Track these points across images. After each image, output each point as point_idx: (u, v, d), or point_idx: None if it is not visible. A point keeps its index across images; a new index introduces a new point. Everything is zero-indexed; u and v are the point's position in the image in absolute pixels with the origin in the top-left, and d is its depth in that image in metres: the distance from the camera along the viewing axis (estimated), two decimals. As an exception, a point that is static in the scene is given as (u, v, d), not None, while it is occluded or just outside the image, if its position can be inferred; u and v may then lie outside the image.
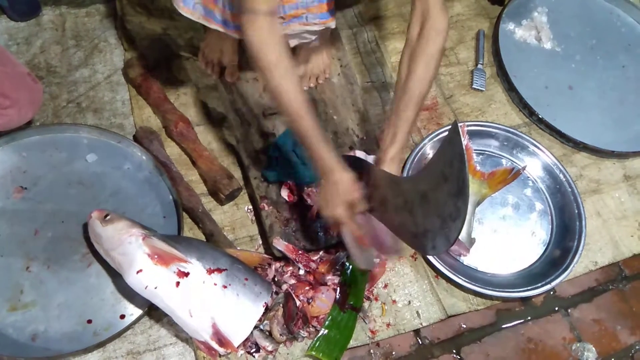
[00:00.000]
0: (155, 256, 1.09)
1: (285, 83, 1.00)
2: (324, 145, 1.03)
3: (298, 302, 1.21)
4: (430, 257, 1.31)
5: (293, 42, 1.24)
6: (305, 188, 1.31)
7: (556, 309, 1.37)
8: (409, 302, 1.30)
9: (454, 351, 1.28)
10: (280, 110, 1.07)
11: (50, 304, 1.17)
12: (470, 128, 1.48)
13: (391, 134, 1.10)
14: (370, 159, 1.32)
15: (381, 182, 1.06)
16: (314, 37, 1.26)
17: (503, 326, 1.32)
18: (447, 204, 0.87)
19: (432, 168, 0.93)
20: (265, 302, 1.17)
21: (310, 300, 1.22)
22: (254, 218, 1.35)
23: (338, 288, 1.25)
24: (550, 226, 1.44)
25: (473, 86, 1.63)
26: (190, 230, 1.31)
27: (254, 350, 1.19)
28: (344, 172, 1.04)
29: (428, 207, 0.93)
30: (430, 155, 1.43)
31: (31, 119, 1.29)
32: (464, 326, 1.31)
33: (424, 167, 0.94)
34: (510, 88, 1.62)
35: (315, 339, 1.21)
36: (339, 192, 1.04)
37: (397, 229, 1.05)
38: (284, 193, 1.32)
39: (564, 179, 1.46)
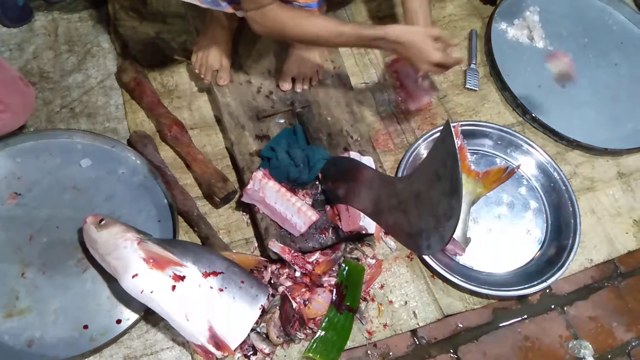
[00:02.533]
0: (151, 260, 1.09)
1: (313, 21, 1.15)
2: (375, 29, 1.16)
3: (294, 304, 1.21)
4: (426, 257, 1.31)
5: None
6: (300, 190, 1.31)
7: (552, 306, 1.37)
8: (406, 302, 1.30)
9: (451, 351, 1.28)
10: (324, 43, 1.24)
11: (46, 310, 1.17)
12: (464, 128, 1.48)
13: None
14: (364, 160, 1.33)
15: (375, 183, 1.06)
16: None
17: (500, 325, 1.33)
18: (441, 203, 0.88)
19: (425, 168, 0.93)
20: (262, 305, 1.17)
21: (307, 302, 1.22)
22: (249, 221, 1.35)
23: (334, 289, 1.25)
24: (545, 224, 1.44)
25: (466, 86, 1.64)
26: (186, 234, 1.31)
27: (251, 353, 1.19)
28: (408, 29, 1.18)
29: (422, 206, 0.93)
30: (425, 156, 1.43)
31: (24, 123, 1.29)
32: (461, 325, 1.31)
33: (417, 166, 0.95)
34: (503, 87, 1.63)
35: (312, 340, 1.20)
36: (420, 45, 1.17)
37: (392, 228, 1.05)
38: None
39: (558, 177, 1.47)
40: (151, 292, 1.08)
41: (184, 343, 1.19)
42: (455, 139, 0.82)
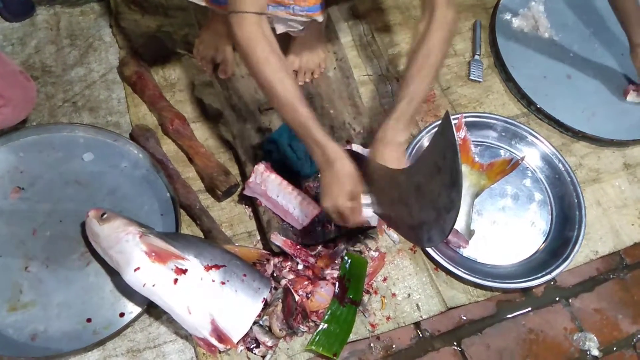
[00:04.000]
0: (153, 254, 1.09)
1: (277, 77, 1.00)
2: (322, 135, 1.03)
3: (297, 297, 1.21)
4: (430, 250, 1.31)
5: (280, 29, 1.24)
6: (302, 182, 1.31)
7: (557, 299, 1.36)
8: (409, 295, 1.30)
9: (455, 343, 1.28)
10: (275, 105, 1.07)
11: (49, 304, 1.17)
12: (468, 119, 1.47)
13: (394, 107, 1.10)
14: (366, 152, 1.32)
15: (377, 175, 1.05)
16: (301, 27, 1.25)
17: (504, 317, 1.32)
18: (441, 195, 0.87)
19: (425, 160, 0.92)
20: (264, 298, 1.17)
21: (310, 295, 1.22)
22: (251, 214, 1.35)
23: (337, 282, 1.24)
24: (550, 216, 1.43)
25: (470, 77, 1.62)
26: (188, 227, 1.31)
27: (253, 345, 1.19)
28: (346, 162, 1.03)
29: (423, 199, 0.93)
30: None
31: (26, 117, 1.29)
32: (464, 318, 1.31)
33: (418, 158, 0.94)
34: (508, 78, 1.61)
35: (315, 333, 1.20)
36: (340, 182, 1.03)
37: (393, 221, 1.05)
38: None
39: (563, 169, 1.45)
40: (153, 286, 1.08)
41: (186, 336, 1.19)
42: (454, 131, 0.81)
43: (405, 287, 1.31)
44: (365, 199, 1.08)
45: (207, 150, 1.37)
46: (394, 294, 1.29)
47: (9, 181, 1.28)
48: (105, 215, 1.15)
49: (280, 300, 1.21)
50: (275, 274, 1.25)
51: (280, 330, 1.19)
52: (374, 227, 1.28)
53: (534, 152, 1.49)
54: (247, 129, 1.39)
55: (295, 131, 1.06)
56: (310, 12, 1.19)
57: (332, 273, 1.26)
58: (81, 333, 1.15)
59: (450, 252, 1.35)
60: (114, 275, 1.18)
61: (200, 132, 1.42)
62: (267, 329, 1.20)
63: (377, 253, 1.32)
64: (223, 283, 1.13)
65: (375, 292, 1.29)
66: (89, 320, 1.17)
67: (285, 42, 1.47)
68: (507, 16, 1.74)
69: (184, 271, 1.11)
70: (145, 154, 1.34)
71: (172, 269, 1.10)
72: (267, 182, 1.24)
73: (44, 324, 1.15)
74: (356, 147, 1.32)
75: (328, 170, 1.04)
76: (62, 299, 1.18)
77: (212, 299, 1.12)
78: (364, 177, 1.08)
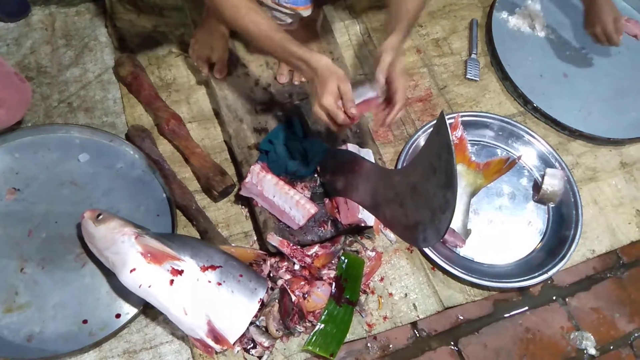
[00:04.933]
0: (148, 255, 1.09)
1: (248, 19, 1.07)
2: (303, 50, 1.06)
3: (294, 298, 1.20)
4: (426, 249, 1.31)
5: None
6: (298, 182, 1.30)
7: (554, 298, 1.36)
8: (406, 294, 1.30)
9: (452, 343, 1.28)
10: (255, 43, 1.11)
11: (45, 305, 1.17)
12: (464, 118, 1.47)
13: (390, 27, 1.11)
14: (363, 152, 1.32)
15: (372, 175, 1.05)
16: (289, 20, 1.25)
17: (500, 317, 1.32)
18: (437, 195, 0.87)
19: (421, 160, 0.92)
20: (261, 298, 1.17)
21: (306, 295, 1.22)
22: (248, 214, 1.35)
23: (334, 282, 1.24)
24: (547, 215, 1.43)
25: (467, 76, 1.62)
26: (185, 228, 1.31)
27: (250, 346, 1.19)
28: (329, 63, 1.05)
29: (418, 199, 0.93)
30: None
31: (21, 119, 1.29)
32: (461, 317, 1.31)
33: (413, 158, 0.94)
34: (504, 77, 1.61)
35: (312, 333, 1.20)
36: (325, 82, 1.04)
37: (389, 221, 1.05)
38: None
39: (560, 168, 1.45)
40: (149, 287, 1.08)
41: (183, 337, 1.19)
42: (449, 131, 0.81)
43: (402, 287, 1.30)
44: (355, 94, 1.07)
45: (203, 150, 1.37)
46: (390, 294, 1.29)
47: (4, 182, 1.27)
48: (101, 216, 1.14)
49: (276, 300, 1.20)
50: (271, 275, 1.25)
51: (276, 330, 1.18)
52: (371, 227, 1.28)
53: (530, 151, 1.49)
54: (243, 129, 1.38)
55: (279, 57, 1.11)
56: (296, 5, 1.19)
57: (329, 273, 1.26)
58: (77, 334, 1.15)
59: (447, 251, 1.35)
60: (110, 276, 1.18)
61: (196, 132, 1.42)
62: (263, 329, 1.20)
63: (374, 253, 1.32)
64: (219, 284, 1.13)
65: (372, 292, 1.29)
66: (85, 321, 1.17)
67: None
68: (504, 15, 1.74)
69: (180, 272, 1.10)
70: (141, 155, 1.33)
71: (168, 270, 1.09)
72: (263, 183, 1.23)
73: (40, 325, 1.15)
74: (352, 147, 1.32)
75: (315, 77, 1.06)
76: (58, 300, 1.18)
77: (209, 299, 1.11)
78: (360, 177, 1.08)
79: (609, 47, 1.61)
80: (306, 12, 1.22)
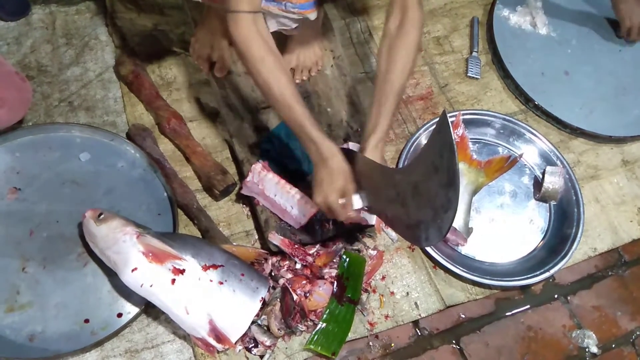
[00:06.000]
0: (150, 254, 1.09)
1: (273, 76, 1.02)
2: (318, 133, 1.05)
3: (295, 297, 1.20)
4: (428, 248, 1.30)
5: (272, 26, 1.23)
6: (300, 181, 1.30)
7: (556, 296, 1.36)
8: (407, 293, 1.30)
9: (454, 341, 1.28)
10: (272, 104, 1.08)
11: (47, 304, 1.17)
12: (466, 117, 1.47)
13: (372, 124, 1.11)
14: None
15: (374, 174, 1.05)
16: (293, 25, 1.25)
17: (502, 315, 1.32)
18: (439, 195, 0.87)
19: (423, 159, 0.92)
20: (262, 297, 1.17)
21: (308, 294, 1.22)
22: (249, 213, 1.35)
23: (335, 281, 1.24)
24: (548, 213, 1.43)
25: (468, 74, 1.62)
26: (186, 227, 1.31)
27: (252, 345, 1.18)
28: (340, 159, 1.06)
29: (420, 198, 0.92)
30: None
31: (21, 118, 1.28)
32: (463, 316, 1.30)
33: (415, 157, 0.94)
34: (505, 75, 1.61)
35: (314, 332, 1.20)
36: (332, 178, 1.05)
37: (391, 220, 1.04)
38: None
39: (562, 166, 1.45)
40: (151, 286, 1.08)
41: (185, 336, 1.19)
42: (452, 130, 0.80)
43: (403, 286, 1.30)
44: (357, 198, 1.09)
45: (204, 149, 1.37)
46: (392, 293, 1.29)
47: (6, 182, 1.27)
48: (102, 216, 1.14)
49: (278, 299, 1.20)
50: (273, 273, 1.25)
51: (278, 329, 1.18)
52: (372, 226, 1.28)
53: (532, 149, 1.49)
54: (244, 128, 1.38)
55: (292, 128, 1.07)
56: (303, 10, 1.18)
57: (331, 272, 1.26)
58: (79, 334, 1.15)
59: (449, 250, 1.35)
60: (112, 275, 1.18)
61: (197, 131, 1.42)
62: (265, 328, 1.20)
63: (376, 251, 1.32)
64: (221, 283, 1.13)
65: (374, 291, 1.29)
66: (86, 320, 1.17)
67: (282, 41, 1.46)
68: (505, 12, 1.73)
69: (182, 271, 1.10)
70: (142, 154, 1.33)
71: (169, 269, 1.09)
72: (264, 181, 1.23)
73: (42, 324, 1.15)
74: (353, 146, 1.31)
75: (322, 166, 1.06)
76: (60, 299, 1.18)
77: (210, 298, 1.11)
78: (361, 175, 1.08)
79: (613, 44, 1.60)
80: (313, 14, 1.21)
